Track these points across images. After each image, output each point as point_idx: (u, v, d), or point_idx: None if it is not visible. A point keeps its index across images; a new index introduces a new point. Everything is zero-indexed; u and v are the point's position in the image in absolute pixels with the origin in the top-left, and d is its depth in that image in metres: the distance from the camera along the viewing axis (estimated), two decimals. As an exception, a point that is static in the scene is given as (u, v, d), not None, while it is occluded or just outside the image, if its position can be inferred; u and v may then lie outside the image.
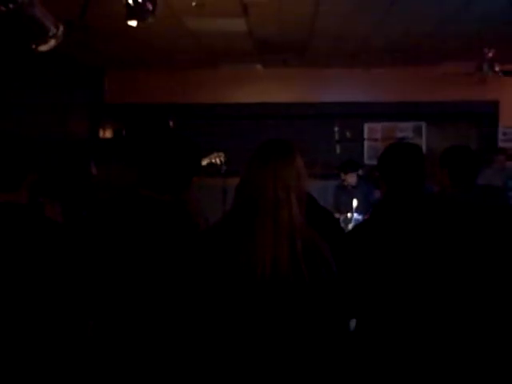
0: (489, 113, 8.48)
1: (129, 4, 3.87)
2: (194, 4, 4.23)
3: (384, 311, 2.42)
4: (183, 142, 2.42)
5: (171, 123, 5.14)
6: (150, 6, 3.89)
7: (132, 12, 3.93)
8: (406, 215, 2.46)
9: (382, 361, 2.42)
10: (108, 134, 8.39)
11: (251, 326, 2.06)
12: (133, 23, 4.00)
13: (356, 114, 8.32)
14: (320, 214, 2.75)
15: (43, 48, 3.81)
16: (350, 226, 5.69)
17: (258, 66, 8.09)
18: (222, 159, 6.05)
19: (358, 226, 2.74)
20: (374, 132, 8.69)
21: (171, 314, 2.22)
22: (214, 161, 5.99)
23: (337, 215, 6.29)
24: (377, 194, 6.36)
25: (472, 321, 2.43)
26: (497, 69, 6.84)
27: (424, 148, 8.68)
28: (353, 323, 2.56)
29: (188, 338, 2.17)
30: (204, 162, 5.77)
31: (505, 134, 8.56)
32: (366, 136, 8.61)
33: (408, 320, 2.38)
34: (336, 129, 7.05)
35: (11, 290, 2.23)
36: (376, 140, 8.42)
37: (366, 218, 5.62)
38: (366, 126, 8.70)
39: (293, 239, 2.04)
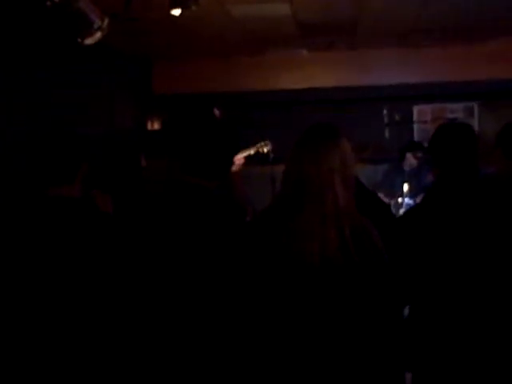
0: (545, 90, 8.16)
1: (172, -7, 3.87)
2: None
3: (437, 298, 2.35)
4: (222, 127, 2.41)
5: (217, 111, 5.12)
6: (193, -6, 3.88)
7: (175, 0, 3.93)
8: (460, 200, 2.37)
9: (436, 347, 2.36)
10: (156, 125, 8.44)
11: (302, 312, 2.05)
12: (176, 12, 4.00)
13: (405, 96, 8.13)
14: (370, 200, 2.70)
15: (89, 41, 3.83)
16: (402, 211, 5.60)
17: (304, 51, 8.00)
18: (269, 147, 6.02)
19: (410, 210, 2.68)
20: (423, 114, 8.50)
21: (223, 302, 2.21)
22: (260, 150, 5.97)
23: (387, 200, 6.21)
24: (429, 177, 6.24)
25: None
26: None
27: (476, 129, 8.43)
28: (406, 310, 2.51)
29: (238, 327, 2.16)
30: (251, 151, 5.76)
31: (562, 112, 8.26)
32: (415, 118, 8.43)
33: (462, 308, 2.31)
34: (385, 112, 6.92)
35: (65, 284, 2.25)
36: (426, 122, 8.23)
37: (417, 202, 5.54)
38: (416, 109, 8.52)
39: (340, 224, 2.02)
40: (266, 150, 5.99)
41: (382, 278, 2.05)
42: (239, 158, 5.20)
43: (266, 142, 5.98)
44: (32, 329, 2.25)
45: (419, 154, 6.50)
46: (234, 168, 4.95)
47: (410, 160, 6.64)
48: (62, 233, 2.28)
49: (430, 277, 2.35)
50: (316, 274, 2.02)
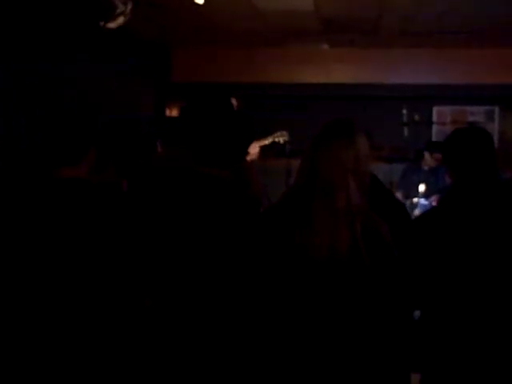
0: None
1: (196, -19, 3.85)
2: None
3: (449, 301, 2.33)
4: (238, 116, 2.40)
5: (234, 101, 5.11)
6: (217, -17, 3.85)
7: (200, -11, 3.91)
8: (476, 205, 2.34)
9: (445, 349, 2.35)
10: (174, 112, 8.44)
11: (308, 307, 2.04)
12: (200, 1, 3.98)
13: (425, 96, 8.07)
14: (386, 198, 2.67)
15: (111, 25, 3.84)
16: (417, 212, 5.57)
17: (325, 46, 7.96)
18: (286, 138, 6.00)
19: (426, 213, 2.64)
20: (443, 116, 8.44)
21: (229, 294, 2.20)
22: (277, 140, 5.94)
23: (403, 199, 6.18)
24: (447, 178, 6.20)
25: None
26: None
27: (497, 134, 8.37)
28: (417, 313, 2.49)
29: (244, 319, 2.15)
30: (267, 141, 5.74)
31: None
32: (434, 119, 8.37)
33: (473, 311, 2.29)
34: (404, 111, 6.88)
35: (71, 262, 2.26)
36: (444, 124, 8.17)
37: (433, 204, 5.50)
38: (435, 110, 8.45)
39: (351, 222, 2.01)
40: (282, 140, 5.97)
41: (390, 277, 2.04)
42: (254, 146, 5.18)
43: (283, 132, 5.95)
44: (38, 311, 2.26)
45: (437, 155, 6.46)
46: (250, 157, 4.95)
47: (428, 160, 6.60)
48: (64, 213, 2.30)
49: (442, 280, 2.32)
50: (324, 268, 2.01)
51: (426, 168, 6.66)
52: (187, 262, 2.23)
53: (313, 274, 2.02)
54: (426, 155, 6.64)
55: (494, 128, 8.39)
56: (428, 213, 2.62)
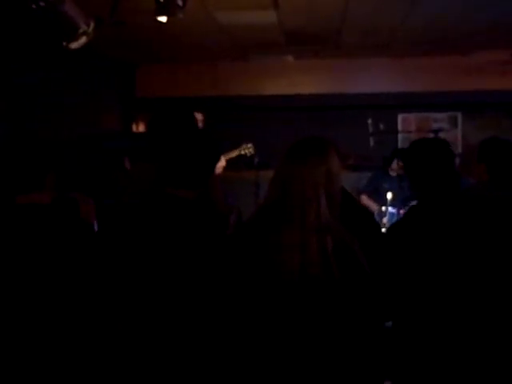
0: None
1: (158, 0, 3.85)
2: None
3: (420, 313, 2.36)
4: (203, 137, 2.40)
5: (201, 116, 5.10)
6: (180, 2, 3.86)
7: (162, 8, 3.91)
8: (442, 217, 2.38)
9: (417, 359, 2.37)
10: (141, 128, 8.41)
11: (281, 325, 2.04)
12: (162, 19, 3.98)
13: (389, 105, 8.17)
14: (356, 212, 2.70)
15: (74, 45, 3.82)
16: (385, 220, 5.61)
17: (289, 58, 8.01)
18: (252, 150, 6.02)
19: (393, 226, 2.68)
20: (407, 123, 8.54)
21: (200, 316, 2.19)
22: (243, 152, 5.96)
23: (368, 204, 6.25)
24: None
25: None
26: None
27: (460, 139, 8.51)
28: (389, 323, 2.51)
29: (215, 339, 2.14)
30: (233, 154, 5.75)
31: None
32: (399, 128, 8.47)
33: (444, 323, 2.32)
34: (369, 121, 6.94)
35: (36, 291, 2.24)
36: (410, 132, 8.27)
37: (401, 212, 5.55)
38: (400, 117, 8.56)
39: (322, 238, 2.02)
40: (248, 153, 5.99)
41: (362, 292, 2.05)
42: (221, 160, 5.18)
43: (249, 145, 5.97)
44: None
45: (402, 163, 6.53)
46: (216, 171, 4.94)
47: (396, 167, 6.67)
48: (30, 239, 2.27)
49: (412, 291, 2.36)
50: (295, 285, 2.02)
51: (393, 174, 6.72)
52: (153, 284, 2.21)
53: (284, 291, 2.02)
54: (394, 162, 6.72)
55: (458, 133, 8.53)
56: (395, 225, 2.66)
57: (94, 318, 2.28)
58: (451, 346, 2.31)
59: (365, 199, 6.79)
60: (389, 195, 5.93)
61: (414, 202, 2.74)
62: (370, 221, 2.85)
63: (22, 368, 2.21)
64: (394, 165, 6.70)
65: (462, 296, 2.30)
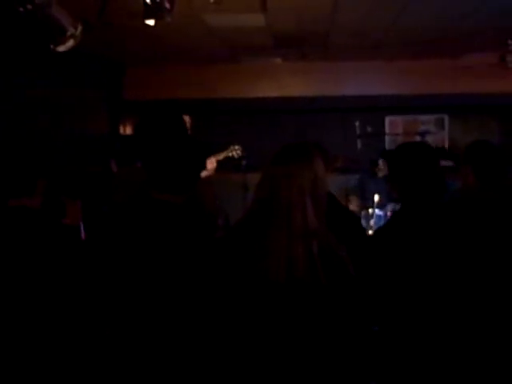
0: (512, 105, 8.31)
1: (146, 3, 3.84)
2: (212, 0, 4.19)
3: (405, 317, 2.38)
4: (191, 142, 2.40)
5: (188, 119, 5.11)
6: (167, 5, 3.85)
7: (150, 11, 3.90)
8: (425, 221, 2.40)
9: (402, 361, 2.39)
10: (128, 130, 8.40)
11: (266, 329, 2.05)
12: (150, 22, 3.97)
13: (377, 107, 8.21)
14: (342, 216, 2.71)
15: (61, 48, 3.80)
16: (372, 222, 5.63)
17: (278, 60, 8.03)
18: (240, 152, 6.02)
19: (378, 231, 2.69)
20: (395, 126, 8.59)
21: (187, 321, 2.20)
22: (231, 154, 5.97)
23: (358, 209, 6.26)
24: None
25: (498, 331, 2.38)
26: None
27: (447, 141, 8.58)
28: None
29: (202, 344, 2.15)
30: (221, 156, 5.76)
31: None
32: (387, 130, 8.51)
33: (429, 327, 2.34)
34: (357, 123, 6.98)
35: (24, 295, 2.24)
36: (397, 134, 8.32)
37: (388, 214, 5.58)
38: (387, 120, 8.60)
39: (308, 242, 2.02)
40: (236, 155, 5.99)
41: (348, 297, 2.06)
42: (211, 161, 5.19)
43: (237, 147, 5.98)
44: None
45: None
46: (207, 173, 4.94)
47: (382, 167, 6.71)
48: (19, 244, 2.28)
49: (398, 295, 2.37)
50: (282, 290, 2.02)
51: (380, 175, 6.76)
52: (143, 289, 2.21)
53: (270, 296, 2.03)
54: (381, 163, 6.76)
55: (445, 135, 8.59)
56: (380, 230, 2.67)
57: (78, 320, 2.28)
58: (432, 349, 2.33)
59: (354, 202, 6.81)
60: (376, 197, 5.96)
61: (397, 205, 2.76)
62: (356, 225, 2.86)
63: (13, 373, 2.21)
64: (381, 166, 6.74)
65: (447, 299, 2.32)
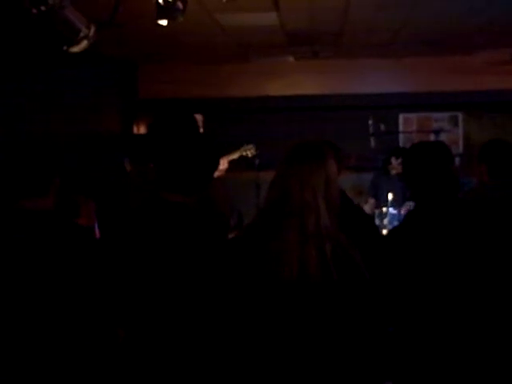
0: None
1: (159, 3, 3.84)
2: (224, 0, 4.19)
3: (421, 317, 2.37)
4: (204, 143, 2.40)
5: (201, 117, 5.12)
6: (180, 5, 3.85)
7: (162, 11, 3.90)
8: (440, 220, 2.39)
9: (418, 362, 2.38)
10: (142, 129, 8.41)
11: (280, 329, 2.05)
12: (163, 22, 3.97)
13: (390, 105, 8.17)
14: (355, 216, 2.71)
15: (75, 49, 3.81)
16: (386, 221, 5.62)
17: (290, 59, 8.01)
18: (253, 151, 6.04)
19: (392, 231, 2.68)
20: (408, 124, 8.54)
21: (201, 320, 2.20)
22: (244, 153, 5.98)
23: (373, 208, 6.24)
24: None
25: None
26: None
27: (461, 139, 8.52)
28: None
29: (216, 343, 2.15)
30: (235, 156, 5.77)
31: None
32: (401, 128, 8.47)
33: (445, 325, 2.33)
34: (370, 121, 6.95)
35: (38, 296, 2.24)
36: (411, 132, 8.28)
37: (402, 213, 5.56)
38: (401, 117, 8.56)
39: (321, 243, 2.02)
40: (250, 154, 6.00)
41: (361, 299, 2.05)
42: (223, 161, 5.20)
43: (250, 146, 5.99)
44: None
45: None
46: (218, 173, 4.96)
47: (395, 165, 6.68)
48: (34, 245, 2.28)
49: (413, 296, 2.36)
50: (295, 293, 2.02)
51: (393, 173, 6.73)
52: (156, 290, 2.22)
53: (283, 297, 2.03)
54: (393, 161, 6.72)
55: (459, 133, 8.54)
56: (394, 230, 2.66)
57: (91, 321, 2.29)
58: (450, 349, 2.32)
59: (367, 200, 6.80)
60: (390, 196, 5.94)
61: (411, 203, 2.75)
62: (370, 225, 2.86)
63: (22, 371, 2.22)
64: (394, 164, 6.71)
65: (462, 299, 2.31)
